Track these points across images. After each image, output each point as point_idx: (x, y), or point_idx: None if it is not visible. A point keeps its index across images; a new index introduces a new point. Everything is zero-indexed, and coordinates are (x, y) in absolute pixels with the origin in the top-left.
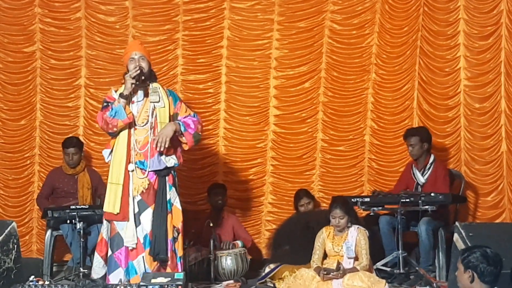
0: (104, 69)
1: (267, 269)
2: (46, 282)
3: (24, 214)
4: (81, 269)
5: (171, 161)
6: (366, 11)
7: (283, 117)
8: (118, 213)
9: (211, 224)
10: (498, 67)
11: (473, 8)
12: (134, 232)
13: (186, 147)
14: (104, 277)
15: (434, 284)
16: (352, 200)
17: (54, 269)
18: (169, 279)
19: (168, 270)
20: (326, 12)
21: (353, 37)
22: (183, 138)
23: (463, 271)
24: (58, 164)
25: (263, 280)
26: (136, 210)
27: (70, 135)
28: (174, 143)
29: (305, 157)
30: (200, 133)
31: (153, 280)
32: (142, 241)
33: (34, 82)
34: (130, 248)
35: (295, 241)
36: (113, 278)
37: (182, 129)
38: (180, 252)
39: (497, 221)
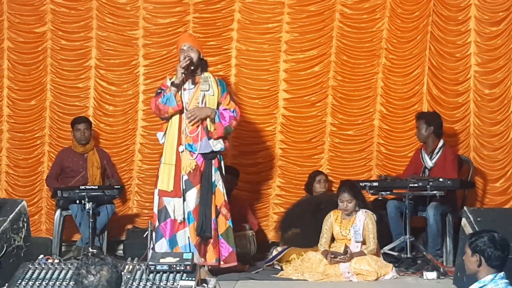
0: (115, 50)
1: (274, 252)
2: (56, 261)
3: (34, 194)
4: (90, 249)
5: (217, 145)
6: None
7: (293, 101)
8: (172, 191)
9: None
10: (509, 53)
11: None
12: (182, 207)
13: (214, 136)
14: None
15: (441, 269)
16: (360, 184)
17: (63, 249)
18: (178, 259)
19: (211, 247)
20: None
21: (363, 21)
22: (213, 126)
23: (470, 255)
24: (67, 144)
25: (271, 263)
26: (183, 187)
27: (80, 115)
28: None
29: (314, 141)
30: (232, 128)
31: (161, 260)
32: (186, 216)
33: (44, 62)
34: (179, 221)
35: (306, 223)
36: (158, 247)
37: (217, 119)
38: (220, 230)
39: (505, 207)
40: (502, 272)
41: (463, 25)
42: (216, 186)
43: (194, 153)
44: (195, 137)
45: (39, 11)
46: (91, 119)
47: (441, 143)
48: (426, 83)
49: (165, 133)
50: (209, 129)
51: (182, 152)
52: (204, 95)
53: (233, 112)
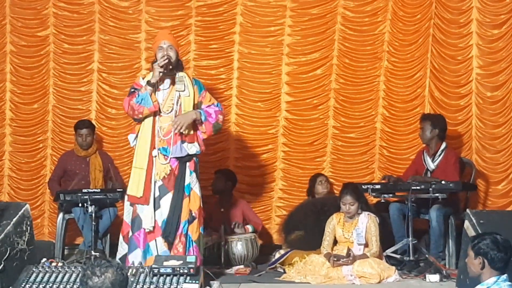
0: (117, 53)
1: (277, 255)
2: (59, 264)
3: (36, 197)
4: (93, 252)
5: (192, 148)
6: None
7: (295, 104)
8: (141, 197)
9: (222, 210)
10: (511, 55)
11: None
12: (152, 215)
13: (204, 136)
14: (125, 256)
15: (444, 272)
16: (363, 187)
17: (66, 252)
18: (181, 262)
19: (177, 252)
20: None
21: (365, 24)
22: (203, 126)
23: (473, 258)
24: (70, 148)
25: (273, 266)
26: (157, 194)
27: (83, 119)
28: (197, 130)
29: (316, 144)
30: (220, 123)
31: (165, 263)
32: (160, 224)
33: (47, 66)
34: (147, 230)
35: (310, 225)
36: (132, 258)
37: (203, 118)
38: (194, 236)
39: (508, 209)
40: (505, 275)
41: (465, 27)
42: (191, 189)
43: (167, 156)
44: (169, 140)
45: (42, 14)
46: (93, 122)
47: (443, 145)
48: (428, 86)
49: (137, 136)
50: (182, 132)
51: (155, 156)
52: (180, 95)
53: (217, 106)
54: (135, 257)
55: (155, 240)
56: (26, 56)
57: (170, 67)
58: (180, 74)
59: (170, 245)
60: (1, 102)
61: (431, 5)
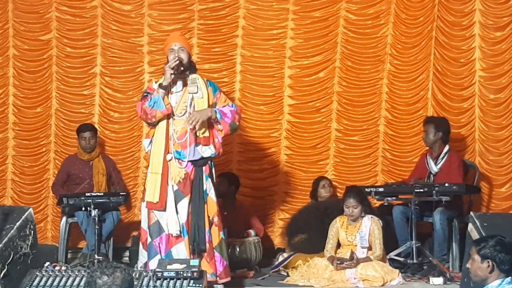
0: (120, 57)
1: (280, 258)
2: (63, 268)
3: (40, 201)
4: (96, 256)
5: (207, 151)
6: (381, 1)
7: (298, 107)
8: (157, 202)
9: (225, 213)
10: None
11: None
12: (176, 219)
13: (221, 134)
14: (145, 264)
15: (448, 275)
16: (366, 190)
17: (69, 256)
18: (185, 265)
19: (204, 261)
20: (341, 2)
21: (368, 27)
22: (219, 125)
23: (480, 262)
24: (73, 151)
25: (277, 269)
26: (174, 199)
27: (85, 122)
28: (212, 132)
29: (319, 147)
30: (237, 123)
31: (168, 267)
32: (180, 229)
33: (50, 70)
34: (174, 235)
35: (313, 229)
36: (152, 265)
37: (218, 116)
38: (214, 242)
39: (511, 212)
40: (510, 277)
41: (468, 30)
42: (208, 195)
43: (183, 161)
44: (184, 143)
45: (44, 18)
46: (96, 126)
47: (446, 148)
48: (431, 89)
49: (151, 141)
50: (197, 134)
51: (170, 160)
52: (193, 97)
53: (232, 106)
54: (155, 264)
55: (178, 246)
56: (29, 60)
57: (182, 68)
58: (193, 76)
59: (199, 254)
60: (4, 106)
61: (433, 8)
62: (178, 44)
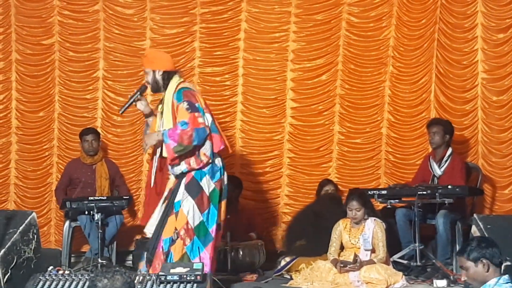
0: (122, 61)
1: (282, 262)
2: (66, 272)
3: (43, 206)
4: (99, 260)
5: (180, 168)
6: (383, 4)
7: (300, 110)
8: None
9: (228, 216)
10: None
11: (490, 0)
12: (155, 222)
13: (167, 161)
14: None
15: (451, 277)
16: (369, 192)
17: (72, 260)
18: (188, 269)
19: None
20: (343, 5)
21: (370, 29)
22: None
23: (474, 266)
24: (76, 156)
25: (280, 273)
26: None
27: (88, 126)
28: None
29: (322, 150)
30: (183, 144)
31: (172, 270)
32: None
33: (52, 74)
34: (147, 235)
35: (309, 235)
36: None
37: (165, 139)
38: (175, 257)
39: None
40: (507, 275)
41: (470, 32)
42: (180, 207)
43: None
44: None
45: (47, 23)
46: (99, 130)
47: (449, 151)
48: (434, 91)
49: None
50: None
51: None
52: (161, 114)
53: (181, 125)
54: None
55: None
56: (31, 65)
57: (151, 90)
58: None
59: (150, 263)
60: (7, 111)
61: (435, 10)
62: (145, 68)
